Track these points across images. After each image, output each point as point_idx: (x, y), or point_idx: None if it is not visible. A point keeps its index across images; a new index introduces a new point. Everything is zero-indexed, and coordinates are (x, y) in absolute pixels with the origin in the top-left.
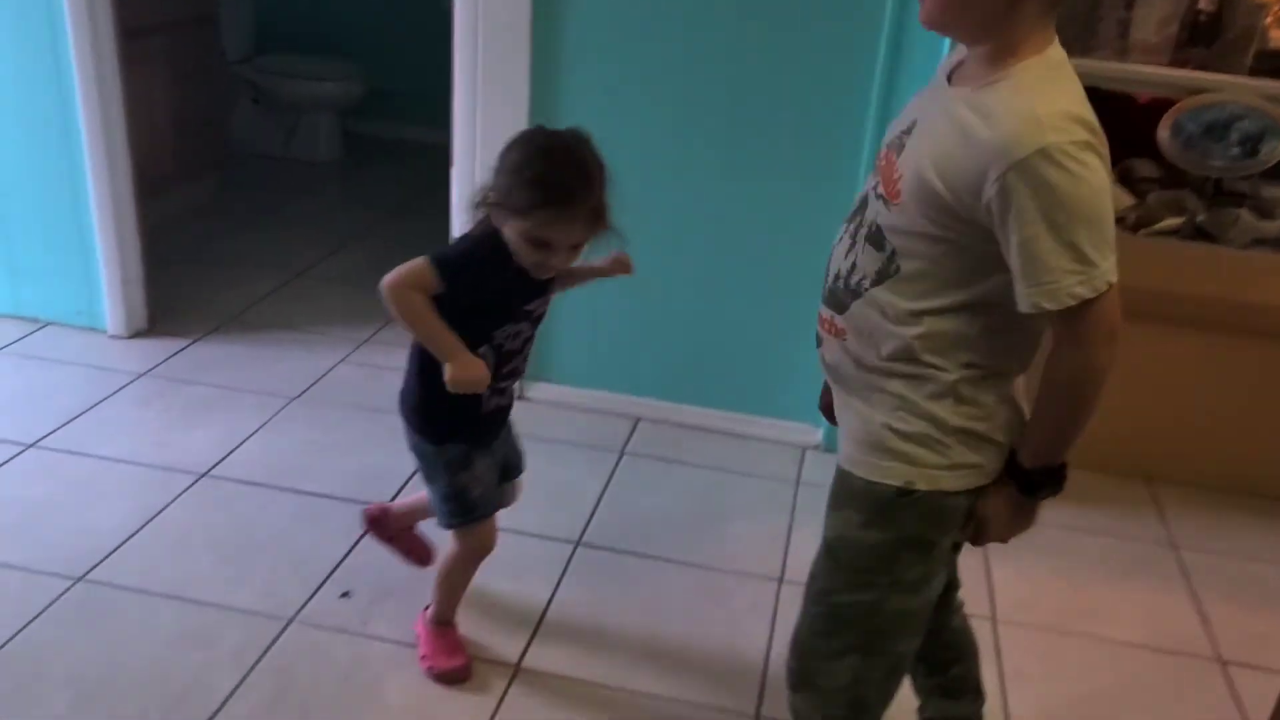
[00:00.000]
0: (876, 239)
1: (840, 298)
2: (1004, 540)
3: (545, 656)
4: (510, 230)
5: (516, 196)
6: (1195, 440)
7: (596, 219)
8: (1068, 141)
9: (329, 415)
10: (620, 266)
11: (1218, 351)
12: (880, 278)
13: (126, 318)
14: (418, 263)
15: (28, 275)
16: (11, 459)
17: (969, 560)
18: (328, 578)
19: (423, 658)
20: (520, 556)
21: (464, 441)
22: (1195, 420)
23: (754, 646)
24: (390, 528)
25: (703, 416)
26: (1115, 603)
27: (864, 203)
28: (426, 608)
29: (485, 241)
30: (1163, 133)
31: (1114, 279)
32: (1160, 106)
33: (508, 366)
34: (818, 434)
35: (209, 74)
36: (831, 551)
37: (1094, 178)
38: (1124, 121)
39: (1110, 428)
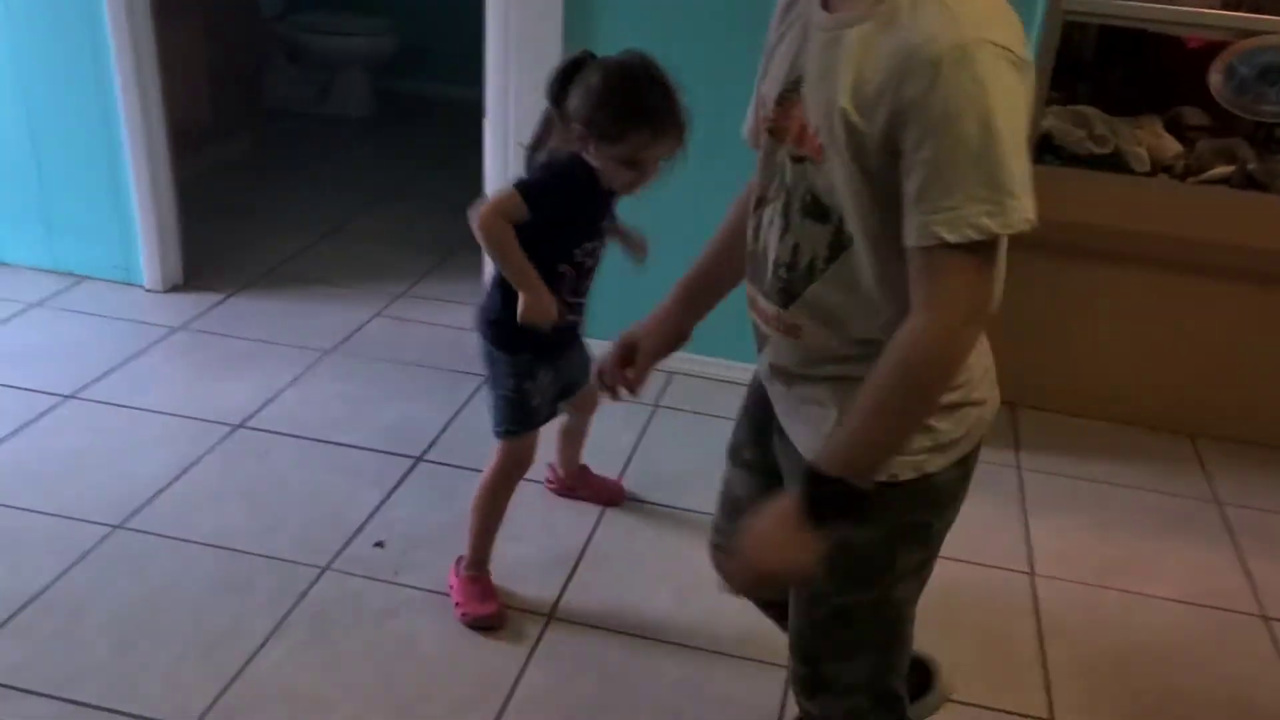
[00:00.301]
0: (815, 209)
1: (791, 287)
2: (755, 569)
3: (577, 606)
4: (602, 156)
5: (608, 125)
6: (1241, 396)
7: (682, 133)
8: (991, 44)
9: (363, 368)
10: (639, 247)
11: (1267, 304)
12: (834, 251)
13: (162, 272)
14: (506, 193)
15: (65, 230)
16: (50, 409)
17: (1008, 514)
18: (361, 528)
19: (456, 605)
20: (554, 508)
21: (532, 352)
22: (1242, 375)
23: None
24: (569, 481)
25: (736, 370)
26: (1156, 558)
27: (775, 177)
28: (459, 560)
29: (571, 167)
30: (1215, 77)
31: (1030, 223)
32: (1211, 50)
33: (586, 282)
34: None
35: (244, 29)
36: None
37: (1017, 98)
38: (1172, 67)
39: (1154, 382)
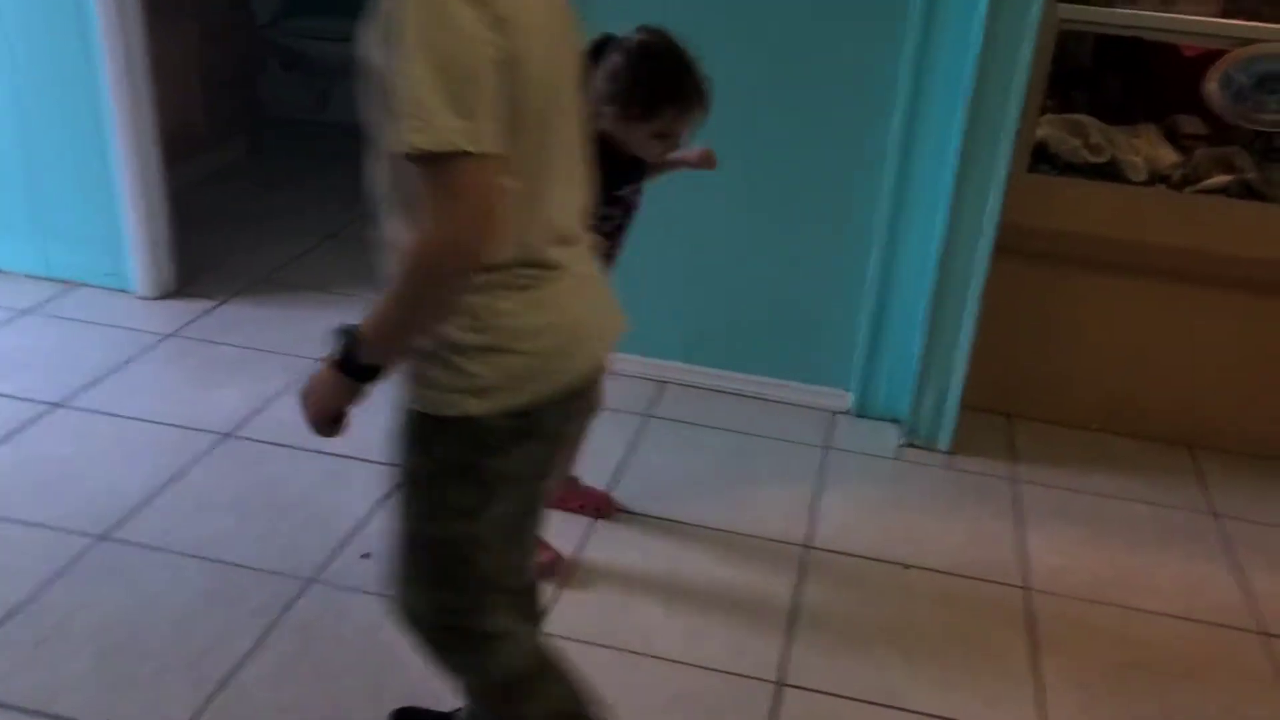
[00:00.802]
0: (370, 140)
1: (378, 213)
2: (310, 416)
3: (567, 621)
4: (633, 132)
5: (638, 105)
6: (1240, 407)
7: (706, 104)
8: None
9: None
10: (707, 161)
11: (1265, 314)
12: (392, 189)
13: (155, 279)
14: None
15: (57, 236)
16: (39, 417)
17: (1003, 527)
18: (349, 538)
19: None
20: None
21: None
22: (1240, 386)
23: (777, 613)
24: (559, 492)
25: (730, 380)
26: (1153, 571)
27: None
28: None
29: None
30: (1211, 85)
31: (471, 147)
32: (1208, 59)
33: (608, 251)
34: (847, 398)
35: (239, 35)
36: (398, 482)
37: (450, 21)
38: (1169, 75)
39: (1153, 392)
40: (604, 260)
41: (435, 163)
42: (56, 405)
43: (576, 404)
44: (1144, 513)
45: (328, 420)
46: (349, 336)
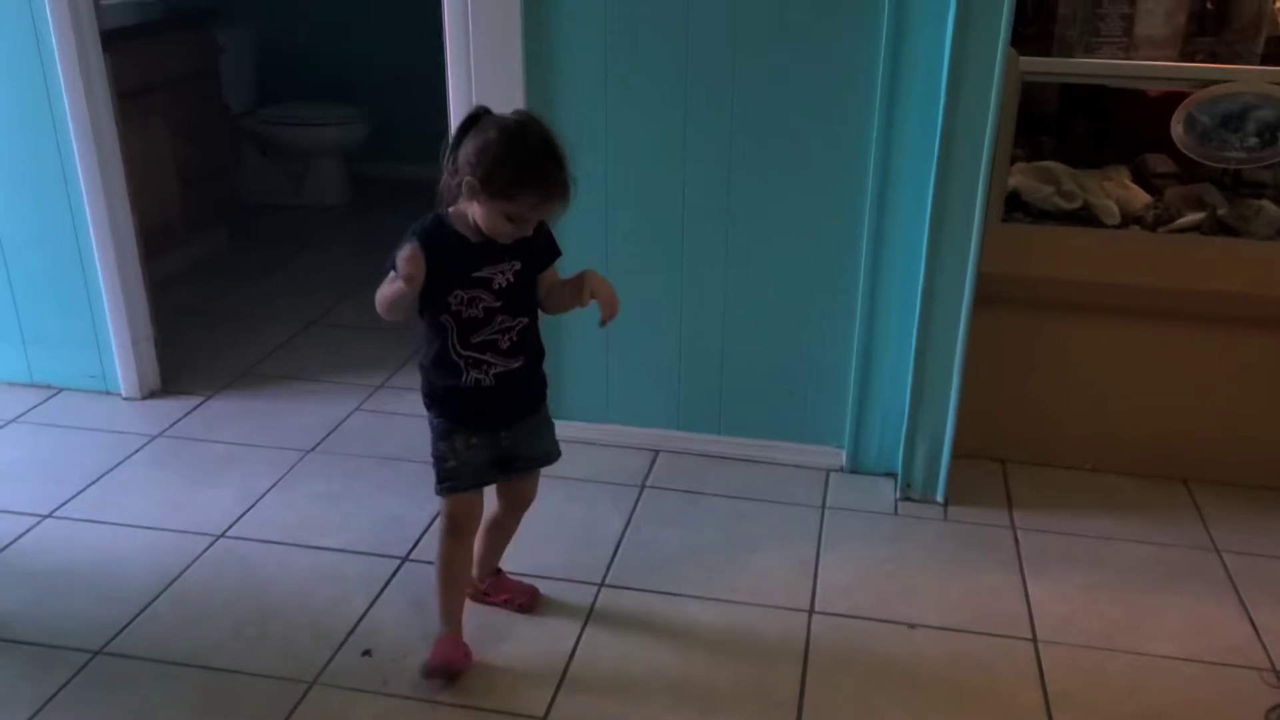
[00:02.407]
0: None
1: None
2: None
3: (572, 707)
4: (487, 209)
5: (502, 184)
6: (1230, 439)
7: (567, 198)
8: None
9: (344, 465)
10: (607, 308)
11: (1247, 346)
12: None
13: (139, 379)
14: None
15: (39, 342)
16: (28, 530)
17: (1006, 578)
18: (348, 636)
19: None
20: (544, 601)
21: (445, 416)
22: (1227, 418)
23: (785, 685)
24: (482, 587)
25: (723, 445)
26: (1160, 615)
27: None
28: None
29: (429, 225)
30: (1176, 127)
31: None
32: (1173, 98)
33: (476, 336)
34: (841, 456)
35: (213, 128)
36: None
37: None
38: (1137, 117)
39: (1143, 429)
40: (491, 354)
41: None
42: (46, 517)
43: None
44: (1146, 553)
45: None
46: None
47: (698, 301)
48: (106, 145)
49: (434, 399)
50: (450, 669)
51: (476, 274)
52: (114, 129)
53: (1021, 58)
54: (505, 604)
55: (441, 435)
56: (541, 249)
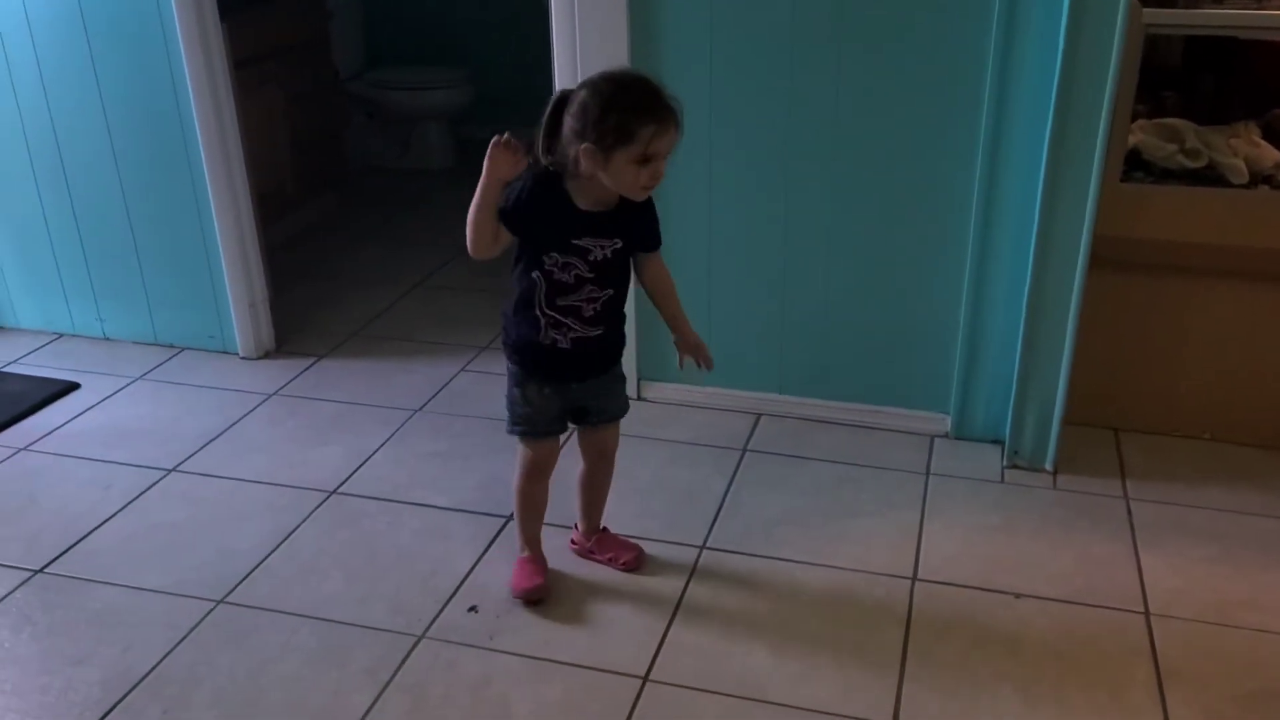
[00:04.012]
0: None
1: None
2: None
3: (673, 665)
4: (615, 166)
5: (617, 128)
6: None
7: (680, 121)
8: None
9: (451, 425)
10: (693, 353)
11: None
12: None
13: (255, 340)
14: None
15: (163, 303)
16: (154, 484)
17: (1117, 549)
18: (455, 592)
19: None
20: (647, 561)
21: (521, 366)
22: None
23: (887, 650)
24: (586, 544)
25: (826, 409)
26: None
27: None
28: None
29: (538, 176)
30: None
31: None
32: None
33: (562, 299)
34: (946, 421)
35: (324, 93)
36: None
37: None
38: (1266, 70)
39: (1266, 398)
40: (574, 318)
41: None
42: (170, 470)
43: None
44: (1267, 526)
45: None
46: None
47: (801, 263)
48: (224, 113)
49: (512, 347)
50: (531, 595)
51: (576, 241)
52: (231, 97)
53: (1145, 9)
54: (610, 562)
55: (516, 382)
56: (644, 235)
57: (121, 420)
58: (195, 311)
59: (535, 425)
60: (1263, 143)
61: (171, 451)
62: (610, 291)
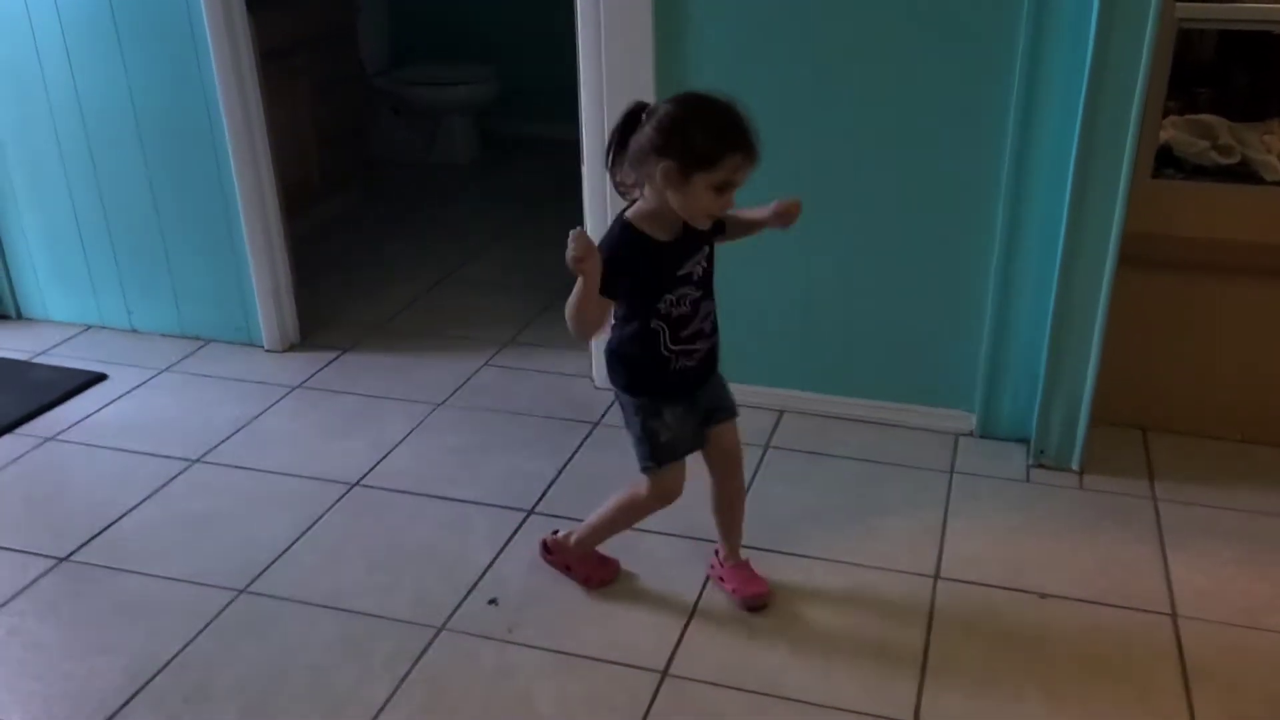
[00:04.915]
0: None
1: None
2: None
3: (692, 660)
4: (691, 188)
5: (704, 149)
6: None
7: (759, 158)
8: None
9: (474, 419)
10: (782, 218)
11: None
12: None
13: (280, 332)
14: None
15: (189, 295)
16: (179, 474)
17: (1144, 550)
18: (475, 585)
19: (584, 581)
20: (666, 556)
21: (650, 394)
22: None
23: (909, 649)
24: (719, 572)
25: (849, 406)
26: None
27: None
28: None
29: (618, 235)
30: None
31: None
32: None
33: (685, 330)
34: (971, 420)
35: (350, 87)
36: None
37: None
38: None
39: None
40: (700, 341)
41: None
42: (195, 461)
43: None
44: None
45: None
46: None
47: (824, 259)
48: (251, 105)
49: (638, 387)
50: (609, 582)
51: (680, 272)
52: (258, 89)
53: (1178, 3)
54: (733, 593)
55: (651, 414)
56: (716, 225)
57: (148, 411)
58: (221, 304)
59: (677, 449)
60: None
61: (196, 442)
62: (711, 299)
